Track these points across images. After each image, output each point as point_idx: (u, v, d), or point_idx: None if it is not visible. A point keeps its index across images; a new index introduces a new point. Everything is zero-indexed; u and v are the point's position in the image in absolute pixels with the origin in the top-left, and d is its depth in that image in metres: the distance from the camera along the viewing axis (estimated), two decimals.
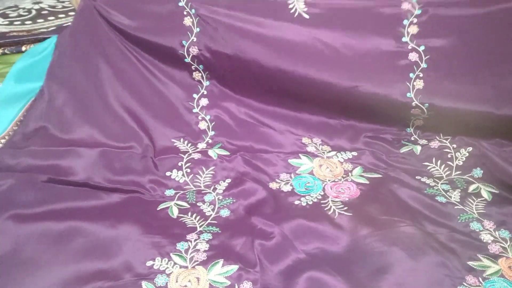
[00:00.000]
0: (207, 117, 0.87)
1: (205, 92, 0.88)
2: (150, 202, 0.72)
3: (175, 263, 0.60)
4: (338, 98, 0.83)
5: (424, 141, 0.84)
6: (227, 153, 0.83)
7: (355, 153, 0.83)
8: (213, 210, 0.71)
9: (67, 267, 0.58)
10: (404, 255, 0.61)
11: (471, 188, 0.75)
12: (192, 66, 0.86)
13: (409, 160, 0.81)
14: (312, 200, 0.73)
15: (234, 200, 0.73)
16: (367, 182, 0.77)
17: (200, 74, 0.87)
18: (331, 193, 0.75)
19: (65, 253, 0.60)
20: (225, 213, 0.71)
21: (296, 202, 0.73)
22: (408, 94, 0.80)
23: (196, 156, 0.82)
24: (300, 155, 0.83)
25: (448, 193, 0.74)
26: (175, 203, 0.73)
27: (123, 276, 0.58)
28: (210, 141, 0.85)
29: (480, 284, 0.58)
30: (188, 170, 0.79)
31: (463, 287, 0.57)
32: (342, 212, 0.70)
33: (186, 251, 0.62)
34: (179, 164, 0.80)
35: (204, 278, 0.58)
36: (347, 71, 0.81)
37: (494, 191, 0.74)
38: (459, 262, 0.61)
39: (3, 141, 0.75)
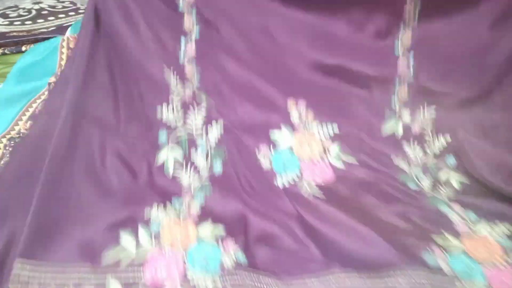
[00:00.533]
0: (195, 68, 0.87)
1: (194, 46, 0.87)
2: (148, 151, 0.77)
3: (168, 214, 0.66)
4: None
5: (406, 120, 0.86)
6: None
7: (336, 129, 0.84)
8: (206, 167, 0.76)
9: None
10: (379, 238, 0.64)
11: (443, 176, 0.78)
12: (185, 17, 0.86)
13: (388, 144, 0.83)
14: (288, 182, 0.75)
15: (227, 152, 0.78)
16: (343, 167, 0.78)
17: (191, 21, 0.86)
18: (308, 175, 0.77)
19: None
20: (217, 169, 0.75)
21: (275, 184, 0.75)
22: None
23: (187, 93, 0.84)
24: (282, 125, 0.84)
25: (420, 179, 0.77)
26: (169, 153, 0.77)
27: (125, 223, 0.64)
28: (196, 91, 0.86)
29: (445, 255, 0.62)
30: (179, 107, 0.83)
31: (427, 252, 0.62)
32: (317, 196, 0.72)
33: (180, 206, 0.68)
34: (170, 98, 0.84)
35: (193, 234, 0.64)
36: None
37: (464, 181, 0.77)
38: (425, 236, 0.65)
39: (4, 140, 0.78)
